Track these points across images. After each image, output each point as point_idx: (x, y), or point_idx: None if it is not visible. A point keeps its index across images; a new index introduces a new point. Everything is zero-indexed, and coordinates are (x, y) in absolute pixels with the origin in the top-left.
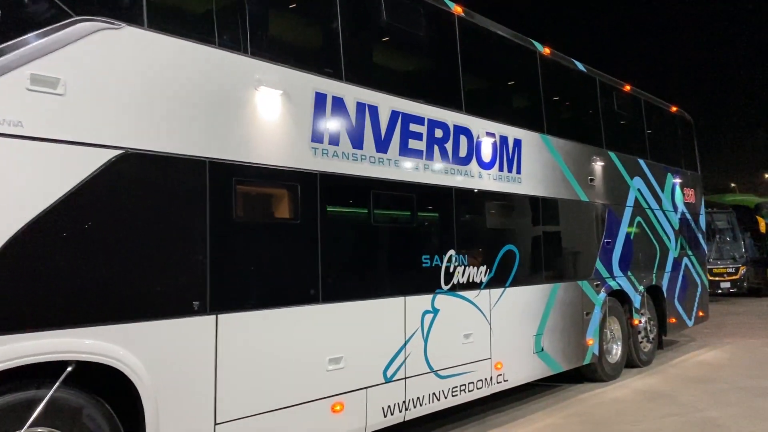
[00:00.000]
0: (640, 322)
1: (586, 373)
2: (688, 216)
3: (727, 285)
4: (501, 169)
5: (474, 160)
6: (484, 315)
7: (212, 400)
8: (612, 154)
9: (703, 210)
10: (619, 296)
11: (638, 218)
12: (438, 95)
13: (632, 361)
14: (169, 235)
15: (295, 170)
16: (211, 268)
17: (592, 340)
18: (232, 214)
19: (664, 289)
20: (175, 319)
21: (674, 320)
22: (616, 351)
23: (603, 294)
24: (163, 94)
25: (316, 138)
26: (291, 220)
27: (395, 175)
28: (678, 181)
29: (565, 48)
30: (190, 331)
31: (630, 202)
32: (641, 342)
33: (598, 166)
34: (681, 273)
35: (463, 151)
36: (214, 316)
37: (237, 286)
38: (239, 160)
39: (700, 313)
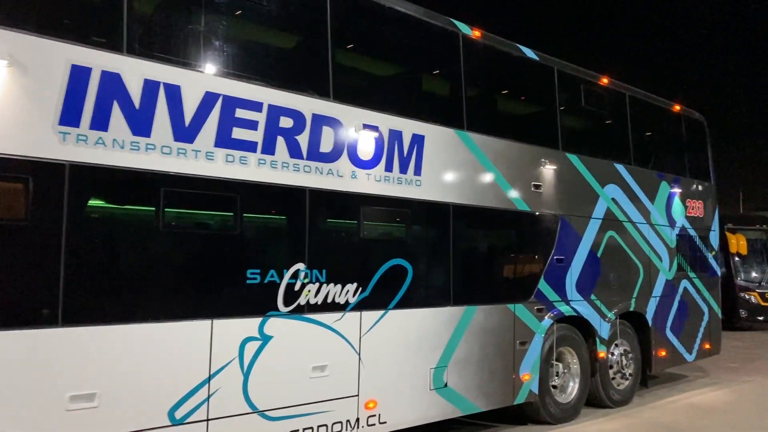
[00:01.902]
0: (608, 355)
1: (529, 414)
2: (692, 232)
3: None
4: (389, 169)
5: (345, 158)
6: (349, 343)
7: None
8: (572, 158)
9: (716, 225)
10: (578, 324)
11: (611, 233)
12: (291, 78)
13: (599, 400)
14: None
15: (24, 159)
16: None
17: (528, 375)
18: None
19: (650, 317)
20: None
21: (664, 353)
22: (572, 389)
23: (548, 320)
24: None
25: (68, 121)
26: (11, 221)
27: (206, 170)
28: (677, 191)
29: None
30: None
31: (598, 213)
32: (613, 378)
33: (548, 170)
34: (677, 298)
35: (326, 146)
36: None
37: None
38: None
39: (706, 346)
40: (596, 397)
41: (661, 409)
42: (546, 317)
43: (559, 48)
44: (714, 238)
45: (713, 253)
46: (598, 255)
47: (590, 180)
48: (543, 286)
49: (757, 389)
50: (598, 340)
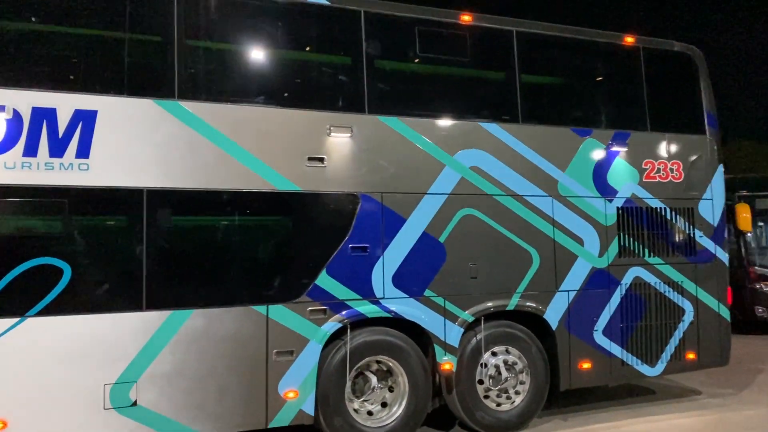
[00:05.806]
0: (478, 366)
1: None
2: (657, 203)
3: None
4: (31, 153)
5: None
6: None
7: None
8: (391, 121)
9: (715, 192)
10: (406, 328)
11: (467, 211)
12: None
13: (464, 423)
14: None
15: None
16: None
17: (295, 393)
18: None
19: (554, 318)
20: None
21: (589, 365)
22: (396, 410)
23: (334, 324)
24: None
25: None
26: None
27: None
28: (620, 149)
29: None
30: None
31: (442, 187)
32: (486, 396)
33: (338, 139)
34: (620, 293)
35: None
36: None
37: None
38: None
39: (690, 356)
40: (464, 418)
41: None
42: (330, 320)
43: None
44: (709, 210)
45: (707, 230)
46: (441, 240)
47: (427, 147)
48: (325, 281)
49: (735, 421)
50: (439, 348)
